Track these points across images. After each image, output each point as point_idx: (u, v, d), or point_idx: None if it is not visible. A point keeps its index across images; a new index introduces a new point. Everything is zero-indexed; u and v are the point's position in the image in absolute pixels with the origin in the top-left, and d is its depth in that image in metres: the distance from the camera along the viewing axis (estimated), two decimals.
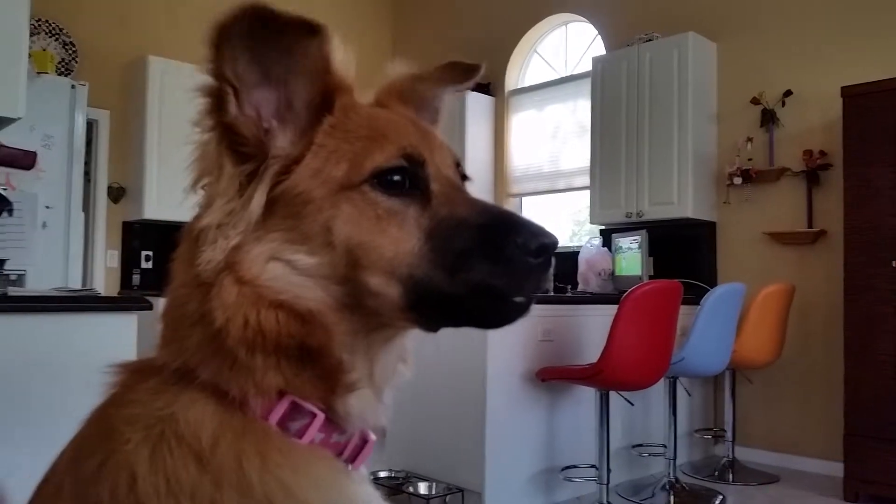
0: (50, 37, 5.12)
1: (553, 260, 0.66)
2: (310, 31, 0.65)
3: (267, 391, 0.65)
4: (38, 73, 4.43)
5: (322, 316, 0.66)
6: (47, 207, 4.31)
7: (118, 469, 0.63)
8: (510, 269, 0.64)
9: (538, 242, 0.64)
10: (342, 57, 0.69)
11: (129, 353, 2.12)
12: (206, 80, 0.65)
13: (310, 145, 0.68)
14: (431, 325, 0.69)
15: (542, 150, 5.97)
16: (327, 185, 0.66)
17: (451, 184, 0.71)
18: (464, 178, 0.77)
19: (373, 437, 0.73)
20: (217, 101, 0.65)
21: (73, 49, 5.20)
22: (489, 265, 0.64)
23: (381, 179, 0.67)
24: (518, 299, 0.66)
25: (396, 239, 0.66)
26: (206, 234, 0.66)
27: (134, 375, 0.71)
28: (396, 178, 0.67)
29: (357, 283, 0.66)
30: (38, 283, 3.98)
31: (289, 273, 0.65)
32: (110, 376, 0.72)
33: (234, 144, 0.67)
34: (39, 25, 5.06)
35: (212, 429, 0.64)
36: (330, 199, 0.66)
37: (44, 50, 4.93)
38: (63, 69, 5.09)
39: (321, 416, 0.67)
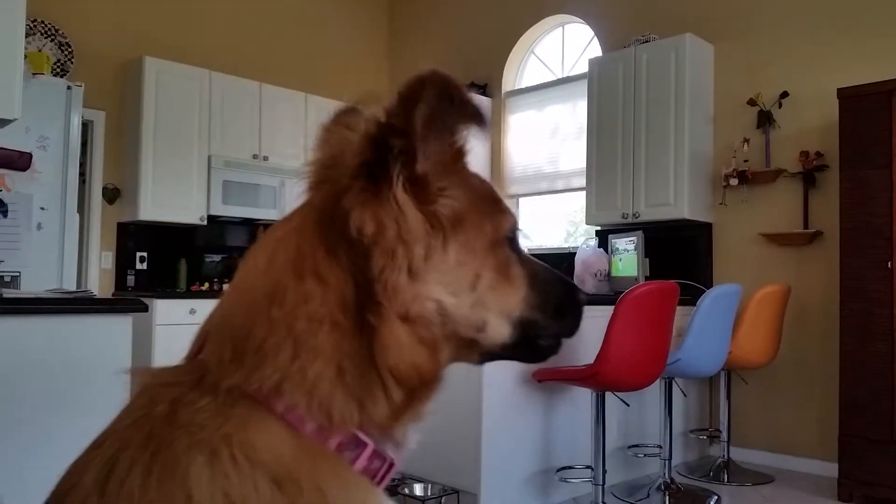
0: (45, 37, 5.11)
1: None
2: (480, 122, 0.72)
3: (378, 424, 0.70)
4: (34, 73, 4.41)
5: (444, 355, 0.73)
6: (42, 209, 4.30)
7: (174, 489, 0.62)
8: (577, 318, 0.83)
9: (585, 299, 0.85)
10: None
11: (125, 355, 2.11)
12: (391, 134, 0.68)
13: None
14: (502, 358, 0.80)
15: (539, 152, 5.98)
16: (483, 238, 0.74)
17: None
18: None
19: (399, 461, 0.75)
20: (405, 156, 0.69)
21: (69, 50, 5.19)
22: (573, 314, 0.83)
23: (509, 238, 0.77)
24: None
25: (516, 288, 0.76)
26: (398, 263, 0.68)
27: (176, 389, 0.69)
28: (514, 237, 0.79)
29: (476, 321, 0.73)
30: (33, 284, 3.97)
31: (435, 312, 0.70)
32: (140, 386, 0.71)
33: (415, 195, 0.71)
34: (35, 26, 5.05)
35: (290, 453, 0.65)
36: (484, 250, 0.74)
37: (39, 51, 4.92)
38: (58, 70, 5.08)
39: (371, 446, 0.70)
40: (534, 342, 0.79)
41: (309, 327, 0.68)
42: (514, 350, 0.77)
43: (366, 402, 0.69)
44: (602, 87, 5.08)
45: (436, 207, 0.71)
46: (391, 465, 0.73)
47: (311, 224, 0.71)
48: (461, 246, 0.72)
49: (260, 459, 0.64)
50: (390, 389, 0.69)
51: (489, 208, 0.76)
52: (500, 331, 0.75)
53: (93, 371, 2.01)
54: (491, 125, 0.70)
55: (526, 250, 0.82)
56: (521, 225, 0.81)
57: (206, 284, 5.63)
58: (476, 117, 0.72)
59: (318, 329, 0.68)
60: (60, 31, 5.17)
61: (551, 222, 6.12)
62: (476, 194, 0.75)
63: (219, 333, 0.71)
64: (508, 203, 0.79)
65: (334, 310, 0.68)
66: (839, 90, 3.83)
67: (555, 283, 0.81)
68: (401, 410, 0.71)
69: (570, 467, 3.45)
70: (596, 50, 5.59)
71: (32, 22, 5.01)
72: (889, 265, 3.57)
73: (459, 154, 0.75)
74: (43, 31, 5.10)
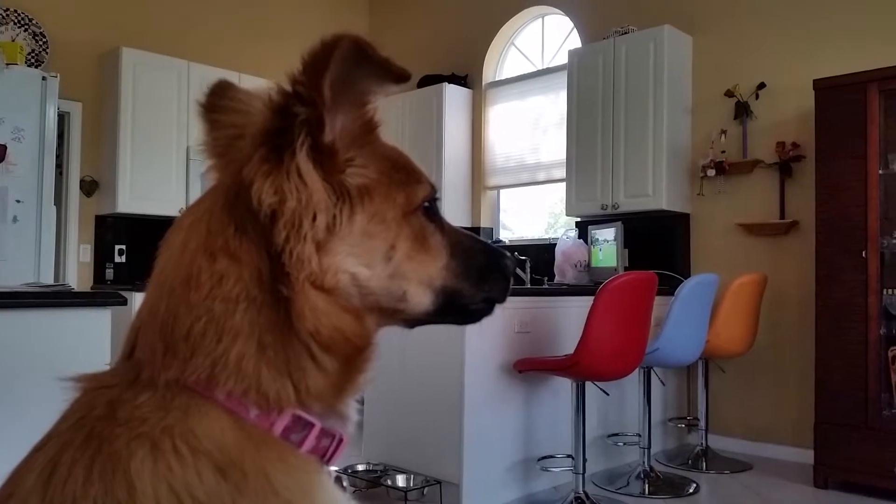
0: (19, 27, 5.03)
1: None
2: (400, 77, 0.70)
3: (318, 398, 0.70)
4: (7, 64, 4.35)
5: (370, 322, 0.74)
6: (18, 201, 4.25)
7: (115, 484, 0.61)
8: (504, 283, 0.84)
9: (513, 265, 0.86)
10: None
11: (104, 349, 2.10)
12: (295, 103, 0.66)
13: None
14: (431, 323, 0.80)
15: (520, 143, 5.99)
16: (395, 208, 0.73)
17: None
18: None
19: (346, 436, 0.75)
20: (310, 125, 0.67)
21: (44, 40, 5.12)
22: (499, 280, 0.83)
23: (426, 207, 0.77)
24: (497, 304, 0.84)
25: (435, 257, 0.76)
26: (300, 238, 0.67)
27: (113, 391, 0.68)
28: (432, 206, 0.78)
29: (396, 292, 0.74)
30: (9, 278, 3.93)
31: (350, 284, 0.70)
32: (80, 391, 0.70)
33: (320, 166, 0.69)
34: (8, 15, 4.97)
35: (233, 440, 0.65)
36: (397, 220, 0.73)
37: (13, 41, 4.85)
38: (33, 60, 5.01)
39: (318, 426, 0.70)
40: (462, 308, 0.80)
41: (226, 308, 0.67)
42: (440, 316, 0.78)
43: (296, 375, 0.68)
44: (581, 78, 5.10)
45: (343, 178, 0.70)
46: (340, 441, 0.73)
47: (219, 203, 0.70)
48: (371, 216, 0.71)
49: (203, 448, 0.63)
50: (319, 358, 0.69)
51: (402, 178, 0.75)
52: (421, 300, 0.75)
53: (72, 366, 1.99)
54: (409, 77, 0.72)
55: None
56: (439, 194, 0.80)
57: None
58: (395, 73, 0.69)
59: (234, 308, 0.67)
60: (34, 21, 5.10)
61: (532, 213, 6.15)
62: (388, 165, 0.75)
63: (148, 329, 0.69)
64: (425, 174, 0.79)
65: (249, 286, 0.67)
66: (815, 81, 3.88)
67: (478, 251, 0.82)
68: (339, 382, 0.71)
69: (551, 456, 3.48)
70: (576, 41, 5.61)
71: (5, 11, 4.94)
72: (864, 254, 3.63)
73: (371, 124, 0.74)
74: (16, 21, 5.02)
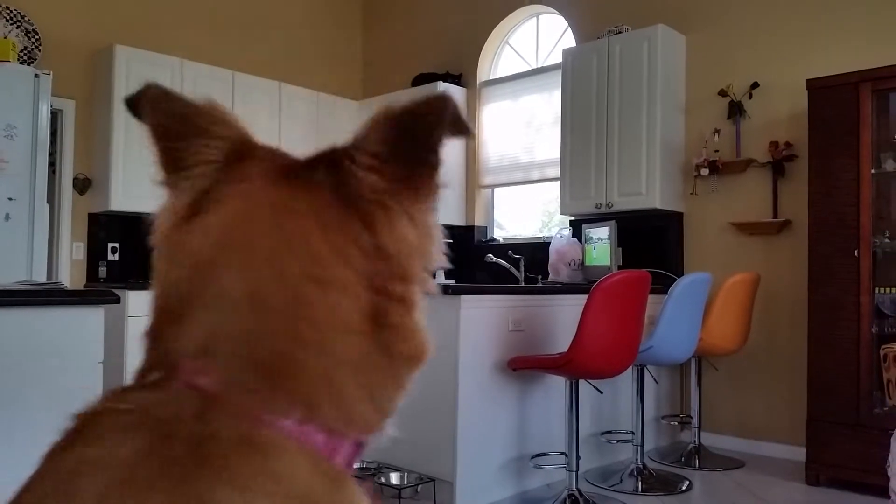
0: (11, 24, 5.01)
1: None
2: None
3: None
4: None
5: None
6: (10, 199, 4.24)
7: None
8: None
9: None
10: None
11: (97, 347, 2.10)
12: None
13: None
14: None
15: (514, 142, 6.00)
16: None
17: None
18: None
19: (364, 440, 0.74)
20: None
21: (36, 37, 5.10)
22: None
23: None
24: None
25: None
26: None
27: (187, 425, 0.60)
28: None
29: None
30: (2, 276, 3.91)
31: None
32: (134, 415, 0.60)
33: None
34: (0, 12, 4.95)
35: (316, 484, 0.63)
36: None
37: (5, 38, 4.83)
38: (25, 57, 4.99)
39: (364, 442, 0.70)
40: None
41: (335, 338, 0.64)
42: None
43: (387, 405, 0.69)
44: (576, 77, 5.11)
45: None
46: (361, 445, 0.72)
47: (323, 219, 0.65)
48: None
49: (285, 493, 0.59)
50: (407, 385, 0.70)
51: None
52: None
53: (65, 364, 2.00)
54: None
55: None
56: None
57: None
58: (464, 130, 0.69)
59: (343, 339, 0.65)
60: (27, 18, 5.07)
61: (526, 212, 6.16)
62: None
63: (230, 355, 0.62)
64: None
65: (359, 319, 0.65)
66: (808, 81, 3.89)
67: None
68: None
69: (545, 454, 3.49)
70: (570, 40, 5.61)
71: None
72: (856, 253, 3.65)
73: None
74: (8, 18, 5.00)
